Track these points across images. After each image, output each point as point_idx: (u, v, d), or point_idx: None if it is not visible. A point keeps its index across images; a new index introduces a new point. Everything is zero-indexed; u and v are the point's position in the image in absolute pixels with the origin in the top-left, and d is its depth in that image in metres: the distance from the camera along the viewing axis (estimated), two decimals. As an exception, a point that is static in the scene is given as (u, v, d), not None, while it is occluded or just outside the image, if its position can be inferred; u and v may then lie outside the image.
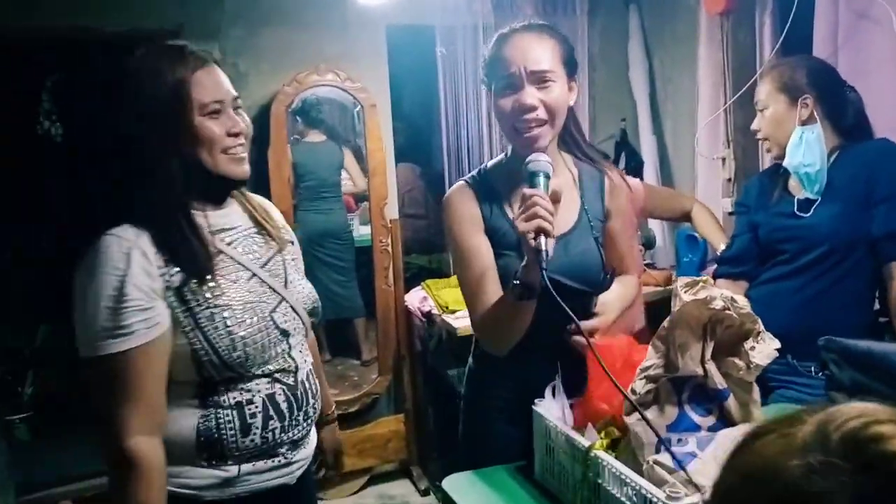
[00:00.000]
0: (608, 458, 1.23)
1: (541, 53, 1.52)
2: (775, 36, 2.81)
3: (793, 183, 2.01)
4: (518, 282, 1.40)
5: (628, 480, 1.17)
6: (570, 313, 1.28)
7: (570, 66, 1.57)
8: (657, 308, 2.27)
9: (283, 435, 1.40)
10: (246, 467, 1.37)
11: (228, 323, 1.30)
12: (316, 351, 1.68)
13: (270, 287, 1.41)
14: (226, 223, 1.42)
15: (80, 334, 1.26)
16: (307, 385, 1.46)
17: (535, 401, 1.49)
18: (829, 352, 1.48)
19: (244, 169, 1.38)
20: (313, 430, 1.53)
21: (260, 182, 3.16)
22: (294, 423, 1.42)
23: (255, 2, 3.13)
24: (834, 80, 2.02)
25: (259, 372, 1.37)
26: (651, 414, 1.25)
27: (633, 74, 3.65)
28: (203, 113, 1.30)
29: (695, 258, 3.17)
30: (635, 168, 3.63)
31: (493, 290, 1.53)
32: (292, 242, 1.57)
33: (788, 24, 2.66)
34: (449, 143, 3.55)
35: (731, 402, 1.29)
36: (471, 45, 3.44)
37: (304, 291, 1.50)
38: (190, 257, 1.31)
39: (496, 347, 1.59)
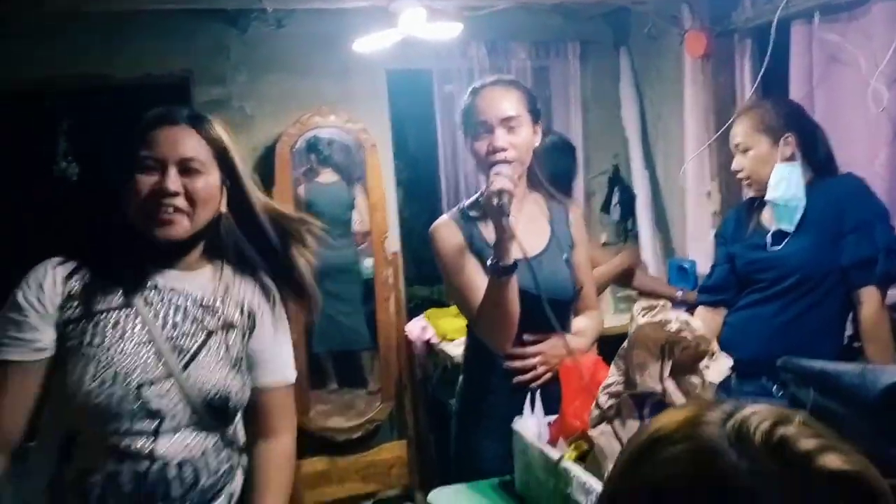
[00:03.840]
0: (574, 468, 1.34)
1: (508, 103, 1.76)
2: (754, 78, 2.96)
3: (766, 216, 2.12)
4: (494, 260, 1.61)
5: (592, 489, 1.28)
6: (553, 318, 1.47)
7: (535, 113, 1.81)
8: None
9: None
10: None
11: (87, 371, 1.23)
12: (282, 466, 1.45)
13: (161, 361, 1.27)
14: (166, 285, 1.32)
15: None
16: (175, 475, 1.29)
17: (515, 419, 1.61)
18: (787, 371, 1.57)
19: (165, 231, 1.25)
20: None
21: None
22: None
23: (259, 50, 3.32)
24: (808, 119, 2.15)
25: (106, 442, 1.25)
26: (614, 427, 1.36)
27: (625, 113, 3.79)
28: (140, 169, 1.25)
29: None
30: (628, 201, 3.78)
31: (483, 292, 1.70)
32: (244, 332, 1.38)
33: (764, 67, 2.80)
34: (448, 179, 3.72)
35: (691, 418, 1.39)
36: (467, 87, 3.59)
37: (210, 379, 1.31)
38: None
39: (497, 339, 1.75)
